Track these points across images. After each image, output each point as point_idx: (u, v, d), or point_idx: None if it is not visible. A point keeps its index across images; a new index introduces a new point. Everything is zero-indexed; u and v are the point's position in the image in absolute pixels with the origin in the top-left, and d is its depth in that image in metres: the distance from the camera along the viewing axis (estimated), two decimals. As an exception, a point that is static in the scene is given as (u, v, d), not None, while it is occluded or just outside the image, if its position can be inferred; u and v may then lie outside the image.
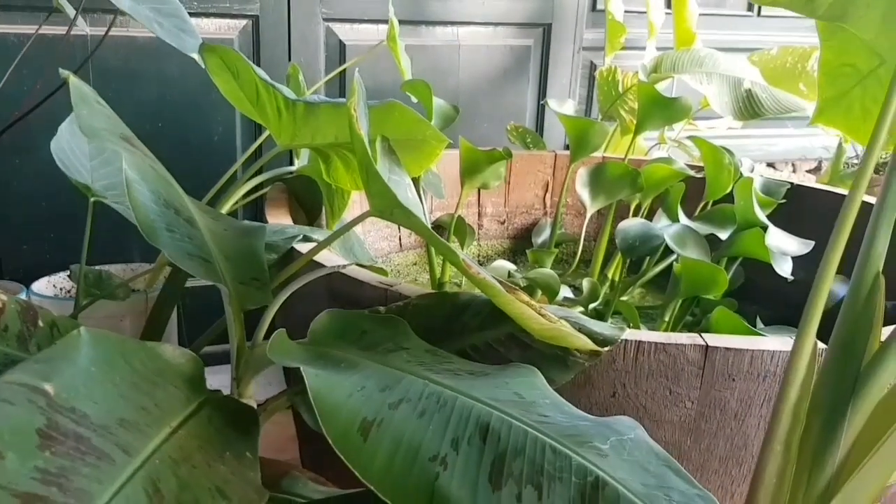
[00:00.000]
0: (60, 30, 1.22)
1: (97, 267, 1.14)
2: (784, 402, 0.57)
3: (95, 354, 0.49)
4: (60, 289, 1.20)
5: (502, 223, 1.52)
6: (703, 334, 0.69)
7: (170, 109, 1.37)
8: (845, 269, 0.59)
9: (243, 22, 1.41)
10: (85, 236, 0.98)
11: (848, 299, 0.58)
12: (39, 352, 0.51)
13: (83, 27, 1.27)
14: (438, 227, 1.40)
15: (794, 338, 0.59)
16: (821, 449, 0.56)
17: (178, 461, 0.47)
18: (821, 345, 0.60)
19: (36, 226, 1.33)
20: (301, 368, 0.54)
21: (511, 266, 1.18)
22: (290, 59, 1.45)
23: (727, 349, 0.68)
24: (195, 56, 0.93)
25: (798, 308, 0.60)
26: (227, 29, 1.40)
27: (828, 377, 0.58)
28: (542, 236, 1.46)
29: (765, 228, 1.08)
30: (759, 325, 1.03)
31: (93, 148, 1.04)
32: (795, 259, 1.06)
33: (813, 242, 1.09)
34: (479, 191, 1.48)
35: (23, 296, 1.12)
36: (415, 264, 1.43)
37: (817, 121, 0.73)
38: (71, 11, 1.01)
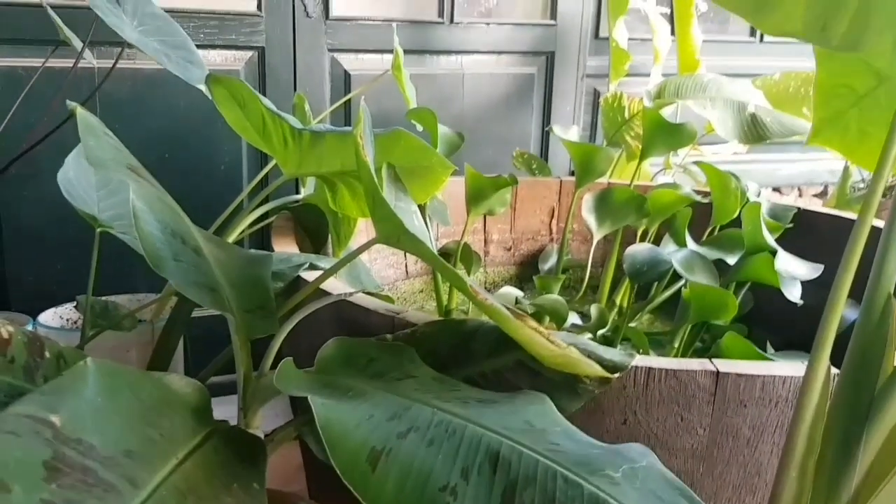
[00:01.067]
0: (68, 62, 1.23)
1: (103, 297, 1.14)
2: (798, 427, 0.56)
3: (102, 385, 0.49)
4: (67, 320, 1.19)
5: (508, 250, 1.52)
6: (713, 360, 0.69)
7: (176, 140, 1.38)
8: (854, 293, 0.58)
9: (249, 53, 1.42)
10: (91, 267, 0.98)
11: (860, 323, 0.57)
12: (46, 383, 0.51)
13: (90, 60, 1.28)
14: (444, 253, 1.40)
15: (805, 362, 0.58)
16: (836, 474, 0.56)
17: (184, 493, 0.47)
18: (834, 369, 0.60)
19: (42, 257, 1.33)
20: (309, 398, 0.53)
21: (518, 292, 1.17)
22: (295, 90, 1.46)
23: (738, 375, 0.67)
24: (202, 87, 0.93)
25: (807, 333, 0.59)
26: (234, 60, 1.41)
27: (842, 402, 0.57)
28: (549, 262, 1.45)
29: (773, 253, 1.07)
30: (770, 350, 1.03)
31: (99, 178, 1.04)
32: (804, 283, 1.06)
33: (822, 266, 1.08)
34: (484, 217, 1.48)
35: (29, 327, 1.12)
36: (421, 291, 1.43)
37: (813, 141, 0.73)
38: (78, 44, 1.02)
